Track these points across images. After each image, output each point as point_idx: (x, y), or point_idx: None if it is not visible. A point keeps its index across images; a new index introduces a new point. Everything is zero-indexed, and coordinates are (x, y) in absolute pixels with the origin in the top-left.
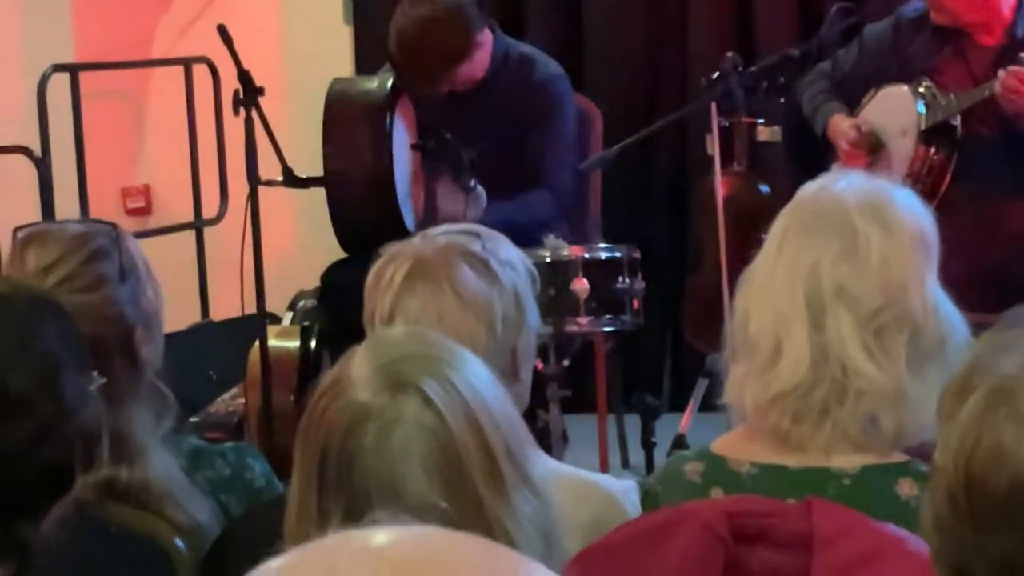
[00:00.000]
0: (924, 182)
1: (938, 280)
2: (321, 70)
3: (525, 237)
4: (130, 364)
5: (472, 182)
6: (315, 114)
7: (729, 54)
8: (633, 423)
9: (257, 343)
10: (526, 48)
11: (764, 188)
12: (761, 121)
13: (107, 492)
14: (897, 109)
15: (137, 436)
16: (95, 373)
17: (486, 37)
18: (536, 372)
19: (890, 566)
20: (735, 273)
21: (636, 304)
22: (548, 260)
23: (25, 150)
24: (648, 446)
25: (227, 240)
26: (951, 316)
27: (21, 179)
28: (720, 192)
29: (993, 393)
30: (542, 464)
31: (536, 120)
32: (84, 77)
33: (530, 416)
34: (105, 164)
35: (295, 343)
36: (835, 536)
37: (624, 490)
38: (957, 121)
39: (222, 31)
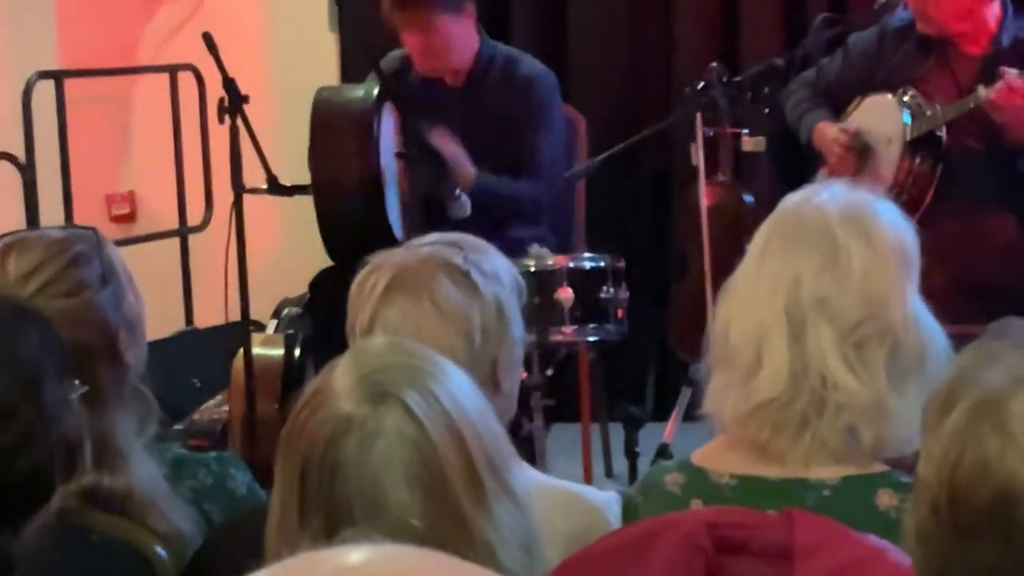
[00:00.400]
0: (909, 192)
1: (922, 290)
2: (306, 78)
3: (512, 231)
4: (113, 369)
5: (456, 190)
6: (300, 122)
7: (713, 64)
8: (617, 432)
9: (241, 351)
10: (511, 49)
11: (748, 198)
12: (746, 131)
13: (89, 499)
14: (882, 118)
15: (120, 442)
16: (77, 382)
17: (472, 19)
18: (520, 382)
19: None
20: (719, 283)
21: (620, 313)
22: (532, 269)
23: (9, 157)
24: (632, 455)
25: (212, 247)
26: (932, 329)
27: (5, 186)
28: (704, 202)
29: (978, 406)
30: (524, 475)
31: (523, 115)
32: (69, 84)
33: (513, 426)
34: (90, 171)
35: (279, 351)
36: (816, 547)
37: (606, 501)
38: (942, 132)
39: (207, 38)
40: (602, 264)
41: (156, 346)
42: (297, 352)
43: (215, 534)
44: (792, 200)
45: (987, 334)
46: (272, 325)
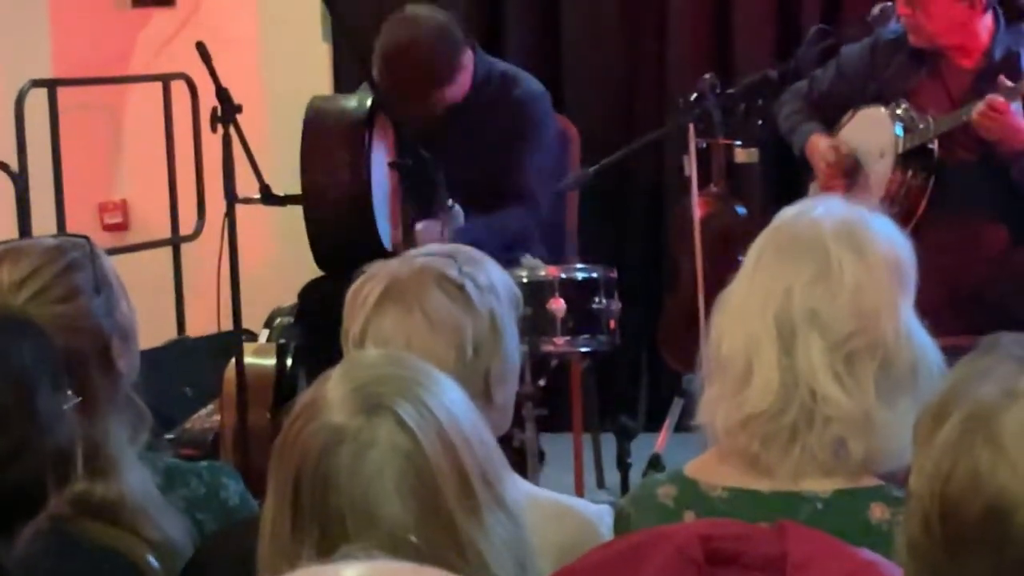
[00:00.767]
0: (901, 205)
1: (915, 303)
2: (299, 88)
3: (502, 254)
4: (106, 376)
5: (449, 201)
6: (293, 131)
7: (707, 76)
8: (609, 443)
9: (233, 360)
10: (507, 67)
11: (741, 210)
12: (739, 143)
13: (81, 507)
14: (875, 131)
15: (112, 450)
16: (70, 392)
17: (468, 58)
18: (515, 395)
19: None
20: (711, 294)
21: (613, 324)
22: (525, 280)
23: (2, 165)
24: (624, 466)
25: (204, 256)
26: (924, 345)
27: None
28: (697, 213)
29: (969, 419)
30: (516, 487)
31: (515, 137)
32: (62, 92)
33: (506, 436)
34: (83, 180)
35: (271, 361)
36: (808, 560)
37: (599, 513)
38: (935, 144)
39: (201, 48)
40: (594, 275)
41: (148, 355)
42: (289, 362)
43: (207, 544)
44: (787, 213)
45: (979, 347)
46: (264, 334)
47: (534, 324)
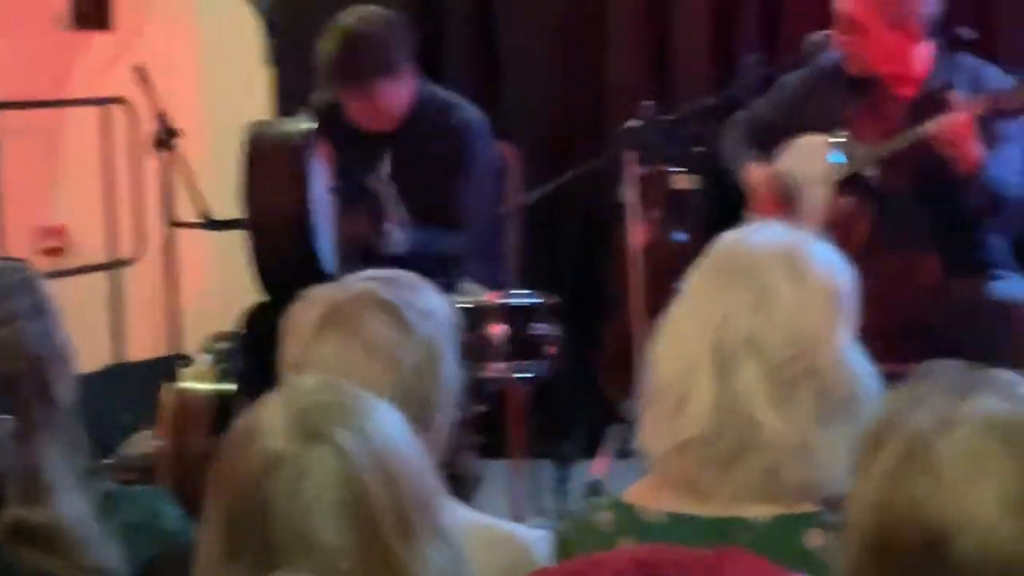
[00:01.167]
0: (838, 232)
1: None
2: (239, 112)
3: (441, 279)
4: (43, 401)
5: (387, 225)
6: (234, 156)
7: (647, 103)
8: (547, 469)
9: (171, 385)
10: (447, 94)
11: (680, 236)
12: (679, 169)
13: (16, 534)
14: (812, 159)
15: (48, 476)
16: (4, 414)
17: (412, 71)
18: (453, 420)
19: None
20: (650, 321)
21: (552, 350)
22: (464, 306)
23: None
24: (562, 493)
25: (144, 281)
26: (863, 372)
27: None
28: (635, 240)
29: (906, 447)
30: (454, 513)
31: (452, 164)
32: None
33: (443, 461)
34: (20, 203)
35: (211, 385)
36: None
37: (537, 539)
38: (872, 172)
39: (140, 72)
40: (534, 301)
41: (85, 380)
42: (229, 386)
43: (144, 571)
44: (726, 239)
45: (914, 375)
46: (204, 359)
47: (473, 350)
